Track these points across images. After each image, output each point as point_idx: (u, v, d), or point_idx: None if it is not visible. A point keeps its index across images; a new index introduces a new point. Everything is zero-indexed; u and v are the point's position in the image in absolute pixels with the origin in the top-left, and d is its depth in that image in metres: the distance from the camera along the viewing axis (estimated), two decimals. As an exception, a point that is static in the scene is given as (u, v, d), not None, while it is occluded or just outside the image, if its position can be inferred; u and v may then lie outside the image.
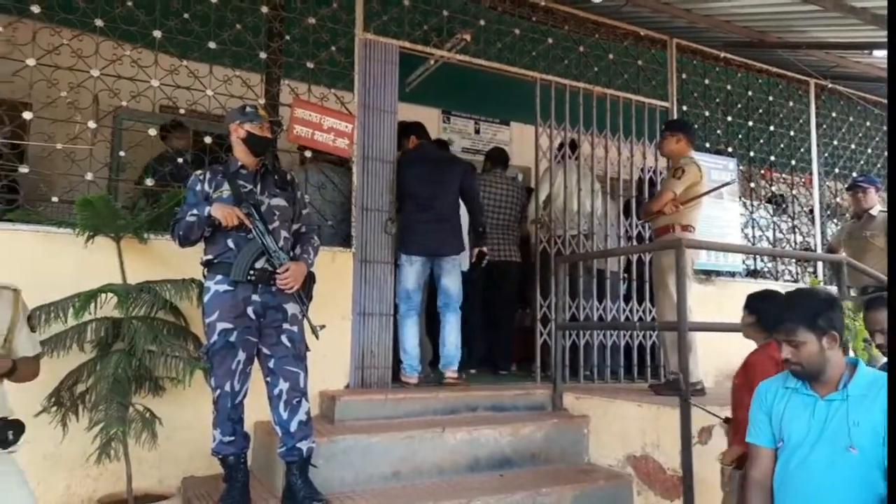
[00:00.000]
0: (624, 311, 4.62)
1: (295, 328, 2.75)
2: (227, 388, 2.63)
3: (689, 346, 3.55)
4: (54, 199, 3.26)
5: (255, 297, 2.67)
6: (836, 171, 6.14)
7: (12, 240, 2.97)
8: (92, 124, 3.35)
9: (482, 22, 4.46)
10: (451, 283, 4.00)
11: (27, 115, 3.21)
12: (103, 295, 2.87)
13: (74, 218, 3.02)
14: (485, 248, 4.10)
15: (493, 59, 4.49)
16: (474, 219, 4.10)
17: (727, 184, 3.89)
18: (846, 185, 5.44)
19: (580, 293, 4.47)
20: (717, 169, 5.06)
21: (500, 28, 4.55)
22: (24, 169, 3.20)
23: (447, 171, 4.06)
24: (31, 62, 3.19)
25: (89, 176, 3.30)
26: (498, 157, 5.03)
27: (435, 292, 4.11)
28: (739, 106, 5.59)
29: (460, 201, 4.07)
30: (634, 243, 4.81)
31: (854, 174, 5.92)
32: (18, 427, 2.18)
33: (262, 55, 3.80)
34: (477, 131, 7.08)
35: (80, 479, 2.98)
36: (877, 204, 4.72)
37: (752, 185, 5.65)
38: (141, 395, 2.90)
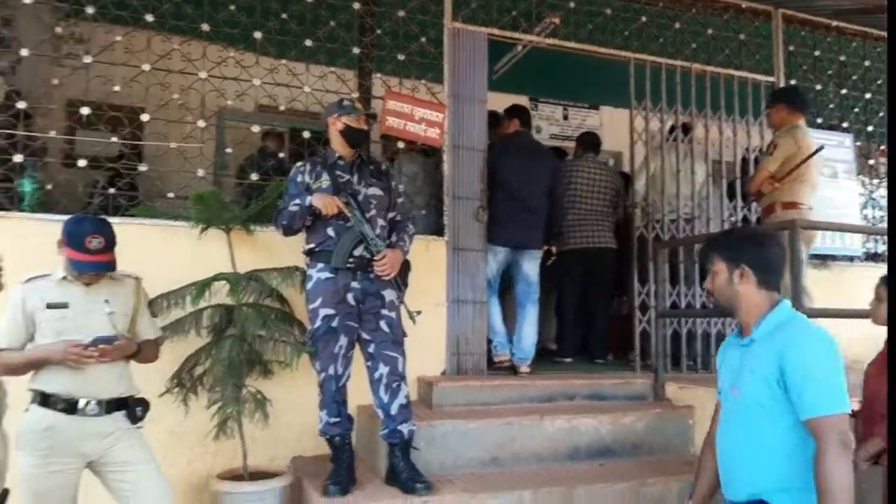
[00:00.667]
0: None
1: (393, 314, 2.81)
2: (331, 371, 2.72)
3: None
4: (170, 194, 3.48)
5: (355, 284, 2.75)
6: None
7: (135, 233, 3.18)
8: (201, 123, 3.56)
9: (572, 4, 4.36)
10: (532, 272, 3.98)
11: (145, 117, 3.45)
12: (216, 283, 3.03)
13: (188, 212, 3.22)
14: (553, 249, 4.10)
15: (583, 41, 4.38)
16: (554, 217, 4.07)
17: (816, 151, 3.59)
18: None
19: (681, 279, 4.29)
20: (831, 145, 4.70)
21: (591, 9, 4.43)
22: (143, 167, 3.44)
23: (541, 164, 4.03)
24: (146, 67, 3.42)
25: (200, 172, 3.51)
26: (589, 142, 4.91)
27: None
28: (855, 77, 5.17)
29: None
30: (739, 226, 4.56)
31: None
32: (145, 405, 2.37)
33: (356, 50, 3.90)
34: (565, 117, 6.95)
35: (199, 455, 3.17)
36: None
37: (871, 161, 5.21)
38: (252, 378, 3.04)
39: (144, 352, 2.39)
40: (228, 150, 3.73)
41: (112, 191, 3.39)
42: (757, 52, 4.82)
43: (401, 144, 3.96)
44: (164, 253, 3.22)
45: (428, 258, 3.74)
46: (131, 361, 2.38)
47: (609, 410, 3.43)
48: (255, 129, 3.73)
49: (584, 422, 3.28)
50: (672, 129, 4.46)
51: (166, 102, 3.51)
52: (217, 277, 3.05)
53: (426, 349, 3.65)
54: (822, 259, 4.69)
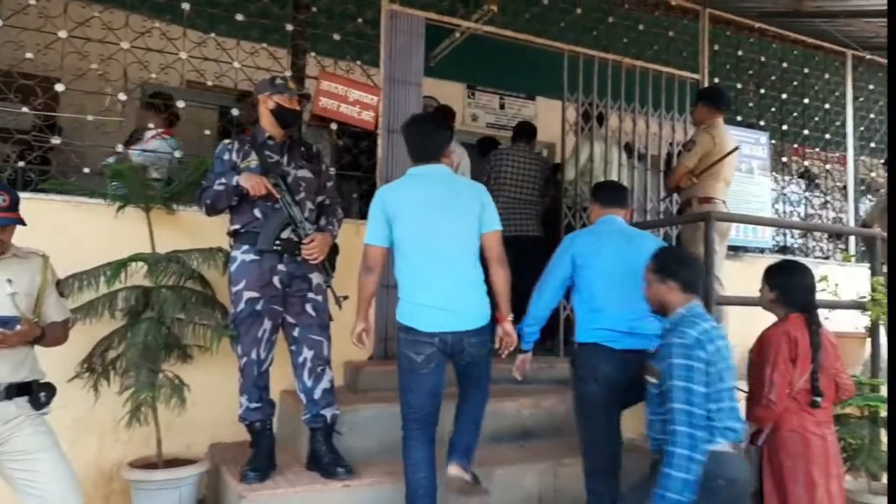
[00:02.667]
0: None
1: (319, 297, 2.79)
2: (254, 355, 2.68)
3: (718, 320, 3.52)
4: (86, 169, 3.32)
5: (281, 267, 2.70)
6: (873, 145, 5.94)
7: (44, 209, 3.02)
8: (122, 96, 3.40)
9: (510, -8, 4.39)
10: None
11: (59, 87, 3.27)
12: (133, 264, 2.92)
13: (105, 189, 3.08)
14: None
15: (520, 29, 4.42)
16: None
17: (732, 151, 3.78)
18: (883, 160, 5.27)
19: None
20: (748, 143, 4.94)
21: (528, -2, 4.48)
22: (56, 140, 3.26)
23: None
24: (62, 34, 3.24)
25: (119, 147, 3.36)
26: (522, 131, 4.97)
27: None
28: (773, 78, 5.43)
29: None
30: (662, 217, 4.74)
31: (892, 149, 5.72)
32: (50, 390, 2.26)
33: (289, 27, 3.80)
34: (502, 106, 7.00)
35: (111, 442, 3.07)
36: None
37: (784, 159, 5.51)
38: (170, 363, 2.96)
39: (50, 335, 2.27)
40: (150, 127, 3.58)
41: (22, 164, 3.20)
42: (684, 49, 4.99)
43: (334, 126, 3.90)
44: (77, 231, 3.08)
45: (359, 242, 3.69)
46: (36, 346, 2.27)
47: (531, 394, 3.52)
48: (181, 104, 3.58)
49: (507, 405, 3.36)
50: (587, 116, 4.54)
51: (84, 73, 3.33)
52: (135, 258, 2.94)
53: (354, 334, 3.64)
54: (735, 251, 4.93)
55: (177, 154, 3.50)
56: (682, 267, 2.29)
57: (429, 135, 2.65)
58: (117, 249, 2.97)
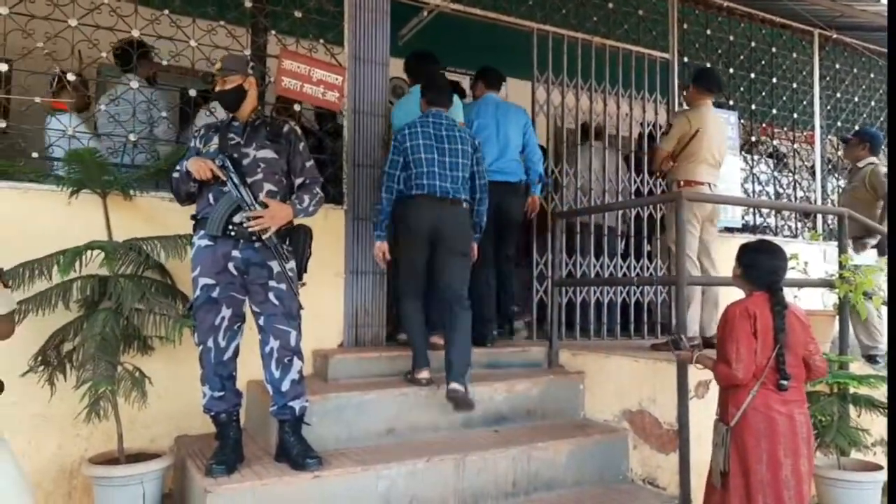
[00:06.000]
0: (621, 267, 4.57)
1: (283, 286, 2.66)
2: (210, 343, 2.59)
3: (690, 301, 3.54)
4: (34, 154, 3.15)
5: (236, 253, 2.60)
6: (839, 124, 6.01)
7: (-9, 196, 2.88)
8: (71, 76, 3.23)
9: (477, -32, 4.29)
10: None
11: (2, 67, 3.09)
12: (89, 252, 2.79)
13: (56, 174, 2.93)
14: None
15: (488, 8, 4.33)
16: None
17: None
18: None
19: (577, 250, 4.41)
20: (723, 123, 4.93)
21: (496, -24, 4.38)
22: (0, 124, 3.09)
23: None
24: (3, 11, 3.05)
25: (70, 130, 3.20)
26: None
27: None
28: (742, 57, 5.43)
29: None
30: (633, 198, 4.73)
31: (857, 128, 5.79)
32: (-3, 386, 2.13)
33: (248, 4, 3.65)
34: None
35: (71, 438, 2.95)
36: (866, 157, 4.52)
37: (754, 138, 5.53)
38: (130, 354, 2.86)
39: None
40: (102, 107, 3.40)
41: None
42: (654, 28, 4.95)
43: (297, 107, 3.78)
44: (25, 218, 2.93)
45: (326, 228, 3.62)
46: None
47: (504, 378, 3.49)
48: (134, 84, 3.41)
49: (480, 390, 3.31)
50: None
51: (30, 51, 3.15)
52: (91, 245, 2.81)
53: (323, 322, 3.56)
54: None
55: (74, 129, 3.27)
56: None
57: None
58: (70, 238, 2.83)
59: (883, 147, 4.68)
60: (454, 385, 3.03)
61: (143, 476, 2.62)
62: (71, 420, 2.80)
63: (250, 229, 2.56)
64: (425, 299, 3.36)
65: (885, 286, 3.76)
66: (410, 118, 3.45)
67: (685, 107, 4.17)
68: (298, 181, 2.78)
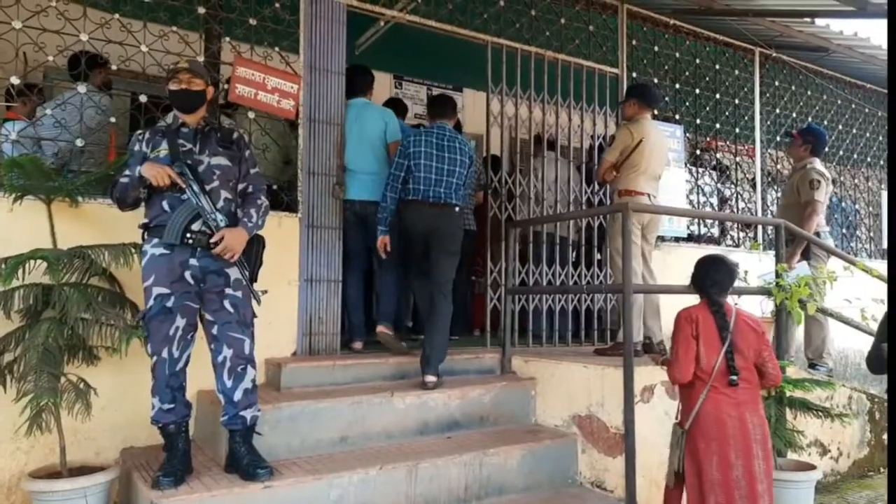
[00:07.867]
0: (572, 276, 4.67)
1: (239, 293, 2.66)
2: (165, 354, 2.55)
3: (636, 308, 3.65)
4: (-25, 159, 3.05)
5: (193, 262, 2.58)
6: (778, 139, 6.29)
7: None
8: (15, 80, 3.14)
9: (433, -19, 4.35)
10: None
11: (-59, 69, 2.99)
12: (32, 261, 2.72)
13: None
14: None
15: (443, 20, 4.39)
16: None
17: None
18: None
19: (530, 258, 4.50)
20: (664, 136, 5.10)
21: (451, -12, 4.45)
22: (-61, 127, 2.99)
23: None
24: (-58, 11, 2.96)
25: (13, 135, 3.11)
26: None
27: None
28: (687, 74, 5.64)
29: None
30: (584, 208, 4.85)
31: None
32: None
33: (201, 10, 3.62)
34: (430, 97, 6.96)
35: (10, 452, 2.86)
36: (806, 158, 4.54)
37: (698, 151, 5.74)
38: (74, 365, 2.78)
39: None
40: (47, 111, 3.31)
41: None
42: (604, 43, 5.10)
43: (251, 115, 3.76)
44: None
45: (280, 235, 3.60)
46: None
47: (458, 385, 3.54)
48: (82, 89, 3.34)
49: (434, 397, 3.35)
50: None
51: (-29, 54, 3.06)
52: (34, 254, 2.73)
53: (277, 330, 3.54)
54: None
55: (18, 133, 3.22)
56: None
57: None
58: (11, 245, 2.76)
59: (873, 162, 4.77)
60: (429, 377, 3.41)
61: (86, 490, 2.55)
62: (10, 433, 2.72)
63: (223, 257, 2.56)
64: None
65: (825, 293, 3.97)
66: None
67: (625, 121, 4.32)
68: (241, 187, 2.76)
